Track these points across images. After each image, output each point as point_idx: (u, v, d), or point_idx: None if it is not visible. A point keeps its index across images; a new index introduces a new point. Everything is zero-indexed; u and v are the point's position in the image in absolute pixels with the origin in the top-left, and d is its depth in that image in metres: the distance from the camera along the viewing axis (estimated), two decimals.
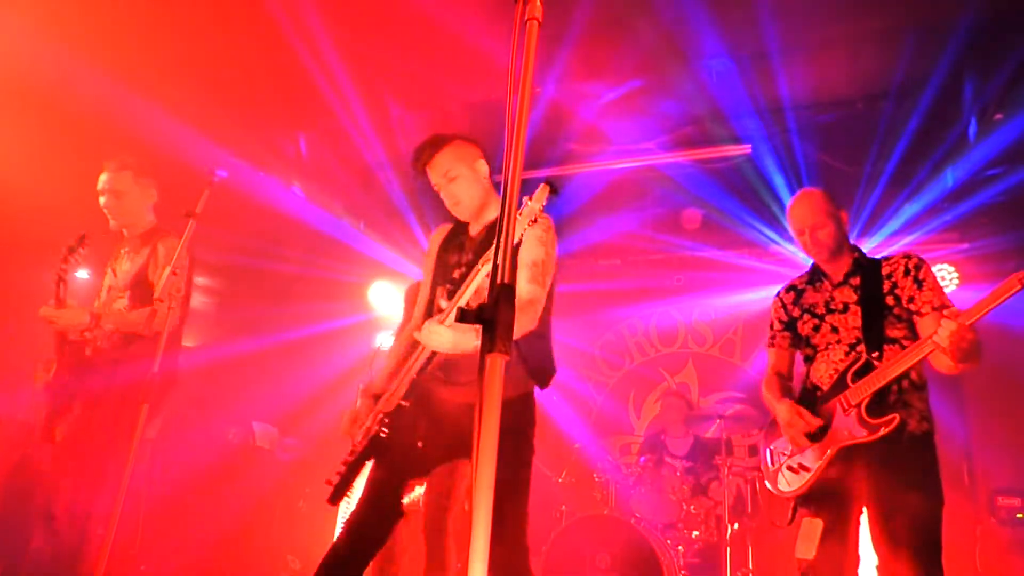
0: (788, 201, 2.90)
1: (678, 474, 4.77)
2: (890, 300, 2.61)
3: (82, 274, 6.23)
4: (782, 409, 2.72)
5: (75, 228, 4.77)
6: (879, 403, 2.49)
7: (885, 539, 2.35)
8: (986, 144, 4.63)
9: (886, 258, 2.73)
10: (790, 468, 2.70)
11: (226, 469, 5.65)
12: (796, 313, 2.86)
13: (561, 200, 5.82)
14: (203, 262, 3.51)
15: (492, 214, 2.58)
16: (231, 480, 5.60)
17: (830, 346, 2.69)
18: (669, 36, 4.09)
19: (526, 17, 1.34)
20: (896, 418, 2.42)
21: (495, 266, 1.12)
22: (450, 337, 2.15)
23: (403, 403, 2.31)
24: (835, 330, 2.70)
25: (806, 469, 2.63)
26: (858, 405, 2.50)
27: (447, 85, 4.70)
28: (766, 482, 2.86)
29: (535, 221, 2.03)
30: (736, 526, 4.61)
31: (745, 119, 4.96)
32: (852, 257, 2.75)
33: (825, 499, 2.60)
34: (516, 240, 2.29)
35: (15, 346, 5.29)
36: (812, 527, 2.56)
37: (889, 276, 2.64)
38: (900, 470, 2.42)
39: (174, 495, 5.37)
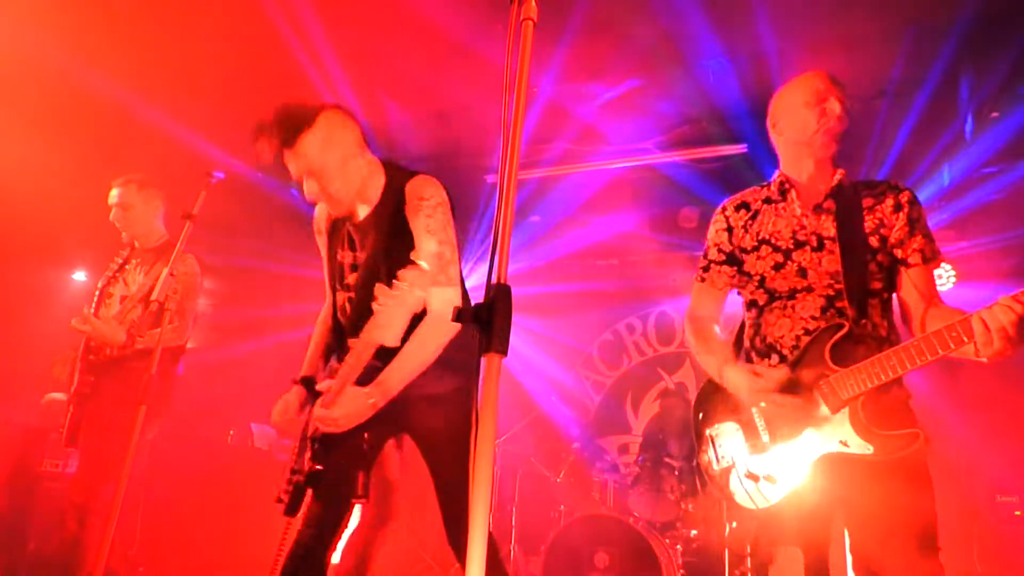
0: (779, 90, 2.34)
1: (676, 473, 4.77)
2: (874, 241, 2.00)
3: (79, 276, 6.25)
4: (751, 381, 1.96)
5: (73, 230, 4.78)
6: (879, 403, 1.88)
7: (884, 563, 1.85)
8: (983, 142, 4.64)
9: (866, 183, 2.12)
10: (749, 476, 2.01)
11: (225, 470, 5.64)
12: (747, 242, 2.15)
13: (559, 200, 5.83)
14: (200, 263, 3.52)
15: (376, 188, 2.22)
16: (230, 482, 5.59)
17: (796, 295, 2.03)
18: (666, 36, 4.09)
19: (522, 17, 1.35)
20: (918, 435, 1.81)
21: (491, 264, 1.12)
22: (341, 419, 1.99)
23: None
24: (803, 273, 2.02)
25: (771, 480, 1.98)
26: (854, 400, 1.86)
27: (443, 85, 4.70)
28: (708, 485, 2.15)
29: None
30: (734, 524, 4.61)
31: (741, 119, 4.96)
32: (836, 172, 2.10)
33: (794, 520, 2.00)
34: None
35: (14, 350, 5.28)
36: (791, 558, 2.06)
37: (872, 210, 2.04)
38: (897, 481, 1.86)
39: (173, 496, 5.36)
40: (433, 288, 1.96)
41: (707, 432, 2.18)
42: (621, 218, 6.05)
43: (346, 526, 2.29)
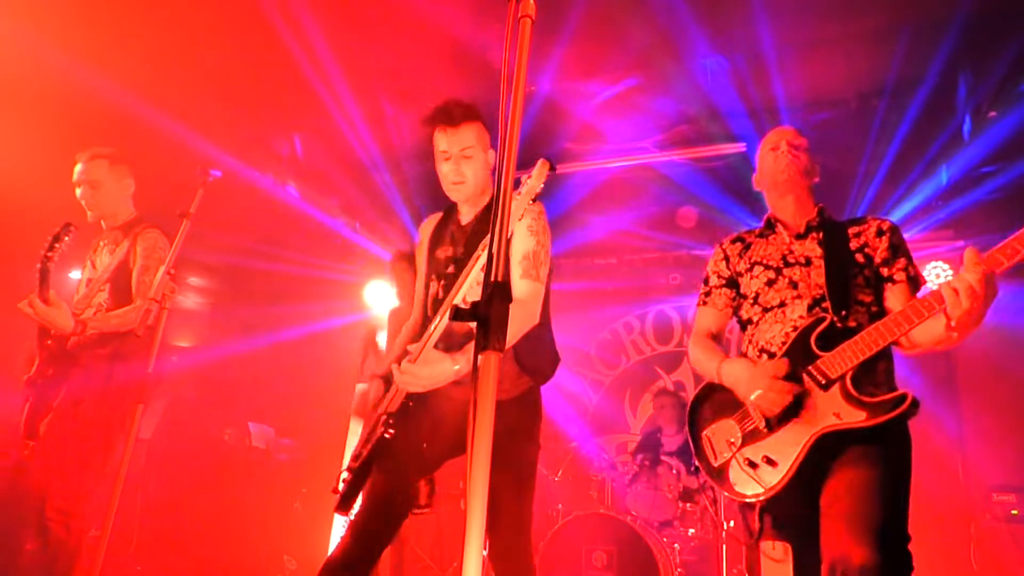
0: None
1: (674, 472, 4.77)
2: (859, 258, 2.21)
3: (75, 274, 6.23)
4: (745, 370, 2.14)
5: (55, 222, 4.75)
6: (866, 377, 2.03)
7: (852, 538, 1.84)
8: (980, 141, 4.65)
9: (852, 219, 2.36)
10: (749, 463, 2.09)
11: (222, 469, 5.64)
12: (742, 267, 2.41)
13: (557, 199, 5.83)
14: (198, 262, 3.50)
15: (486, 199, 2.50)
16: (227, 480, 5.60)
17: (786, 303, 2.22)
18: (664, 35, 4.09)
19: (520, 15, 1.35)
20: (908, 396, 1.93)
21: (489, 262, 1.12)
22: (424, 377, 2.10)
23: (409, 402, 2.25)
24: (794, 285, 2.24)
25: (772, 464, 2.05)
26: (841, 378, 2.01)
27: (441, 83, 4.69)
28: (708, 481, 2.29)
29: (534, 200, 1.96)
30: (732, 523, 4.61)
31: (740, 118, 4.96)
32: (817, 208, 2.38)
33: (792, 506, 2.06)
34: (511, 228, 2.26)
35: (9, 348, 5.27)
36: (783, 553, 2.11)
37: (858, 235, 2.26)
38: (887, 461, 1.96)
39: (170, 495, 5.36)
40: (524, 279, 2.22)
41: (704, 433, 2.29)
42: (619, 217, 6.05)
43: (391, 540, 2.31)
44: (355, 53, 4.40)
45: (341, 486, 2.34)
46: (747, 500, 2.09)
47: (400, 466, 2.30)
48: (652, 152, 5.33)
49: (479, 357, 1.07)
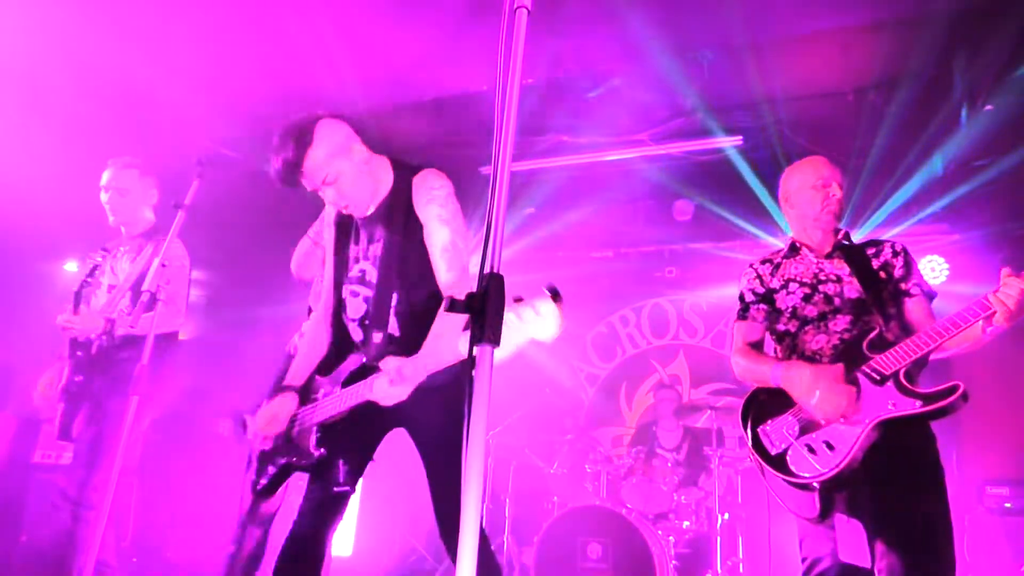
0: (788, 169, 2.73)
1: (669, 465, 4.79)
2: (882, 275, 2.47)
3: (70, 267, 6.22)
4: (803, 372, 2.31)
5: (63, 221, 4.73)
6: (913, 373, 2.25)
7: (905, 536, 2.12)
8: (976, 134, 4.64)
9: (869, 242, 2.62)
10: (809, 448, 2.26)
11: (217, 462, 5.63)
12: (776, 284, 2.63)
13: (552, 192, 5.82)
14: (194, 254, 3.50)
15: (385, 184, 2.29)
16: (222, 473, 5.59)
17: (827, 316, 2.45)
18: (661, 26, 4.07)
19: (515, 6, 1.34)
20: (960, 386, 2.10)
21: (484, 254, 1.11)
22: (403, 389, 1.98)
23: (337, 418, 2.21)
24: (829, 300, 2.48)
25: (831, 448, 2.22)
26: (895, 374, 2.20)
27: (438, 74, 4.68)
28: (766, 468, 2.35)
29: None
30: (726, 516, 4.63)
31: (737, 111, 4.95)
32: (838, 236, 2.62)
33: (852, 488, 2.24)
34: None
35: (5, 341, 5.26)
36: (857, 528, 2.25)
37: (876, 255, 2.53)
38: (922, 454, 2.25)
39: (166, 488, 5.36)
40: (451, 272, 2.12)
41: (760, 429, 2.43)
42: (615, 210, 6.04)
43: (342, 515, 2.31)
44: (351, 43, 4.36)
45: (260, 482, 2.38)
46: (808, 479, 2.22)
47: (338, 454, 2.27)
48: (648, 145, 5.32)
49: (475, 350, 1.07)
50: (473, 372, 1.06)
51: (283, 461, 2.31)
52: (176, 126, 4.95)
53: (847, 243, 2.59)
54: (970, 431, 5.12)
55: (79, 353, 3.23)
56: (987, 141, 4.66)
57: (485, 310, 1.07)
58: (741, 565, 4.64)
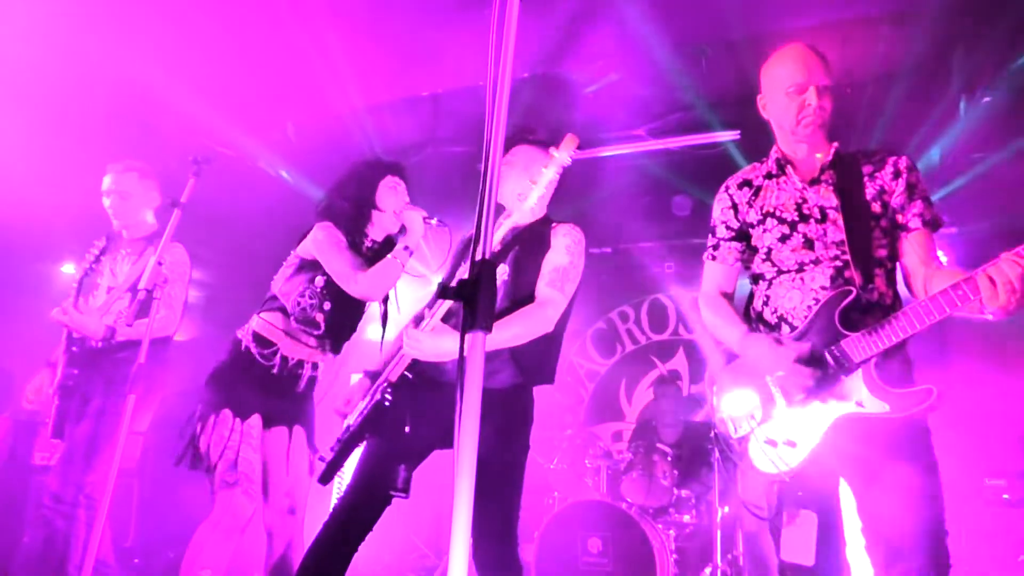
0: (765, 64, 2.27)
1: (669, 459, 4.79)
2: (876, 207, 2.04)
3: (67, 268, 6.21)
4: (769, 349, 2.01)
5: (60, 223, 4.72)
6: (887, 362, 1.93)
7: (890, 535, 1.87)
8: (975, 127, 4.64)
9: (864, 152, 2.16)
10: (769, 441, 2.04)
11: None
12: (752, 217, 2.21)
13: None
14: (192, 253, 3.50)
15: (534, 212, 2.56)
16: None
17: (805, 267, 2.07)
18: (657, 20, 4.06)
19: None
20: (931, 391, 1.83)
21: (475, 242, 1.11)
22: (427, 346, 2.14)
23: (407, 374, 2.28)
24: (809, 244, 2.08)
25: (790, 444, 1.99)
26: (865, 362, 1.91)
27: (434, 70, 4.68)
28: (728, 453, 2.18)
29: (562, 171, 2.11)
30: (726, 509, 4.63)
31: (735, 105, 4.94)
32: (832, 147, 2.16)
33: (811, 483, 2.05)
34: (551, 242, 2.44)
35: (3, 343, 5.25)
36: (806, 522, 2.09)
37: (873, 177, 2.08)
38: (901, 443, 1.92)
39: (167, 487, 5.35)
40: (549, 287, 2.39)
41: (723, 400, 2.21)
42: (613, 206, 6.03)
43: (375, 522, 2.30)
44: (347, 38, 4.36)
45: (329, 454, 2.37)
46: (767, 476, 2.07)
47: (383, 445, 2.31)
48: (646, 140, 5.31)
49: (465, 337, 1.06)
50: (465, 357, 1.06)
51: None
52: (176, 126, 4.94)
53: (842, 155, 2.16)
54: (968, 422, 5.11)
55: (74, 348, 3.22)
56: (985, 133, 4.66)
57: (477, 297, 1.06)
58: (741, 558, 4.63)
